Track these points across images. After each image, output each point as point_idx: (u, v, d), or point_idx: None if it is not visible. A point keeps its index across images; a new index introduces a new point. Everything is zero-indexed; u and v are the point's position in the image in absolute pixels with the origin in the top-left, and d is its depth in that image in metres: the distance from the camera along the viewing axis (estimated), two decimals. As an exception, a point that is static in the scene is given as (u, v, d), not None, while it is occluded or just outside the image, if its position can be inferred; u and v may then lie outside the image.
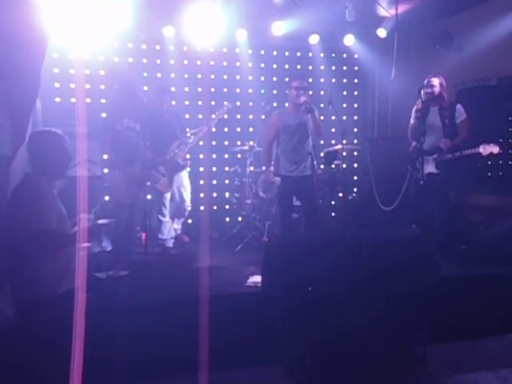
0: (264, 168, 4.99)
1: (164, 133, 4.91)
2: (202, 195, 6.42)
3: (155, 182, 4.88)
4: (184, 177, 5.23)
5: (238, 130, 6.91)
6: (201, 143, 5.80)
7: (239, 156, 6.71)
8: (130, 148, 4.58)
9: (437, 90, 4.68)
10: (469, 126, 4.63)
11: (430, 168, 4.68)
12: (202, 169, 6.52)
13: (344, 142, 5.60)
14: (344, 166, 6.05)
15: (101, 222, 4.94)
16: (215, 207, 6.76)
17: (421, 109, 4.75)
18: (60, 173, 3.05)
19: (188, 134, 5.18)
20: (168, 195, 5.03)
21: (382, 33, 6.49)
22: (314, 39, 6.60)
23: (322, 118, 4.60)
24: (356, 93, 7.64)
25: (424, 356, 3.24)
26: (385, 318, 3.13)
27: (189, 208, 5.30)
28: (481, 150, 4.35)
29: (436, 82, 4.69)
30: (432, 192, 4.66)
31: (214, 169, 6.80)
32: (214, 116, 5.12)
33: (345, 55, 7.42)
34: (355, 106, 7.63)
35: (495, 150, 4.34)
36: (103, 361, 2.69)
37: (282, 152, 4.69)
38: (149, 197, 5.19)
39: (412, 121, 4.93)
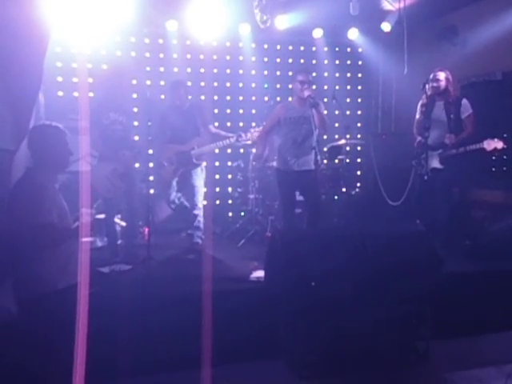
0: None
1: (180, 127, 4.80)
2: (204, 190, 6.40)
3: (159, 167, 4.83)
4: (196, 176, 4.92)
5: (241, 124, 6.89)
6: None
7: (242, 151, 6.69)
8: (117, 141, 4.52)
9: (443, 84, 4.64)
10: (474, 121, 4.60)
11: (434, 163, 4.65)
12: (204, 163, 6.49)
13: (347, 136, 5.58)
14: (347, 160, 6.03)
15: (101, 216, 4.94)
16: (218, 202, 6.76)
17: (426, 103, 4.72)
18: (61, 167, 3.05)
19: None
20: (174, 182, 4.93)
21: (386, 27, 6.45)
22: (317, 33, 6.56)
23: (325, 112, 4.53)
24: (360, 87, 7.61)
25: (426, 352, 3.24)
26: (387, 314, 3.13)
27: (200, 214, 4.90)
28: (485, 146, 4.33)
29: (442, 76, 4.65)
30: (436, 187, 4.63)
31: (217, 163, 6.78)
32: (249, 135, 4.87)
33: (348, 49, 7.38)
34: (359, 100, 7.60)
35: (499, 145, 4.32)
36: (106, 355, 2.69)
37: (282, 145, 4.64)
38: (152, 191, 5.15)
39: (417, 115, 4.90)
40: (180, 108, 4.90)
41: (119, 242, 4.84)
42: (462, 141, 4.53)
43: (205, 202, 5.07)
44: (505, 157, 5.75)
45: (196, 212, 4.90)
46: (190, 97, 5.06)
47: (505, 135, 5.53)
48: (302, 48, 7.20)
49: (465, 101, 4.65)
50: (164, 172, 4.87)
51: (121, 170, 4.50)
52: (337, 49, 7.31)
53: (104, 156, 4.50)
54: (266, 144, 4.93)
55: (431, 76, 4.67)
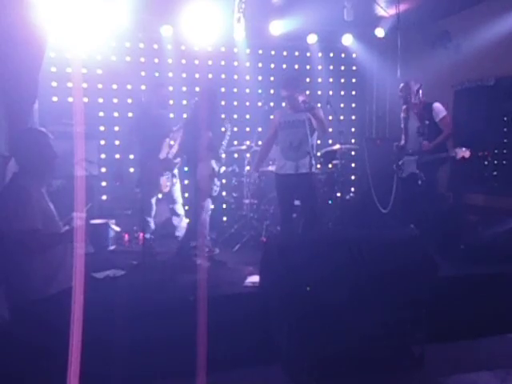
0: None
1: (156, 130, 4.79)
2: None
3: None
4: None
5: (235, 129, 6.88)
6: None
7: (236, 156, 6.69)
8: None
9: (401, 93, 4.94)
10: (450, 122, 4.80)
11: (412, 168, 4.83)
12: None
13: (342, 141, 5.60)
14: (342, 164, 6.04)
15: (94, 221, 4.93)
16: (212, 206, 6.73)
17: (404, 111, 5.00)
18: (46, 171, 2.96)
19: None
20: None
21: (380, 32, 6.50)
22: (312, 39, 6.60)
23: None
24: (354, 92, 7.65)
25: (422, 356, 3.24)
26: (383, 318, 3.13)
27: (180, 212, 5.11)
28: (453, 154, 4.52)
29: (401, 85, 4.95)
30: (416, 192, 4.73)
31: (212, 168, 6.77)
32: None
33: (343, 55, 7.43)
34: (353, 105, 7.64)
35: (466, 154, 4.48)
36: (100, 362, 2.67)
37: (280, 150, 4.66)
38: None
39: (402, 124, 5.14)
40: (159, 109, 4.96)
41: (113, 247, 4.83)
42: (439, 145, 4.71)
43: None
44: (495, 162, 5.80)
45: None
46: (171, 102, 5.15)
47: (496, 140, 5.62)
48: (296, 53, 7.23)
49: (436, 104, 4.80)
50: (162, 185, 4.90)
51: (217, 169, 4.67)
52: (331, 54, 7.36)
53: (203, 158, 4.55)
54: (264, 155, 4.97)
55: None
